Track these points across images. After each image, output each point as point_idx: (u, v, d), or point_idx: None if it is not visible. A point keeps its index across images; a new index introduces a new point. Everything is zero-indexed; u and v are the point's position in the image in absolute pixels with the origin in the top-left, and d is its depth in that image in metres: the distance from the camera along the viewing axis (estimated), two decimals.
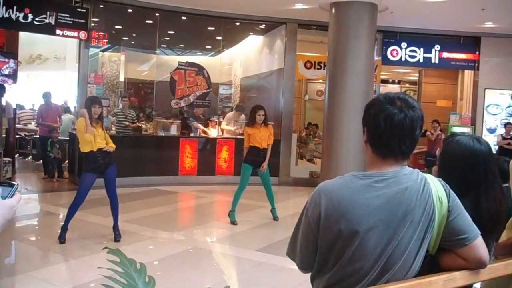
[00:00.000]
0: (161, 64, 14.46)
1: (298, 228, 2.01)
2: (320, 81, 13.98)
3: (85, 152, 6.70)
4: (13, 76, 10.59)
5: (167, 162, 11.85)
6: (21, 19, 9.97)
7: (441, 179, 1.97)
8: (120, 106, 12.11)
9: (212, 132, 12.75)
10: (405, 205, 1.83)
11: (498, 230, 2.52)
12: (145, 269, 2.06)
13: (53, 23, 10.43)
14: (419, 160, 12.98)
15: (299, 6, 11.14)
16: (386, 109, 1.86)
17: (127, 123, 11.40)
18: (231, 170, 11.92)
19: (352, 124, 8.98)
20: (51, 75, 16.28)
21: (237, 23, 13.35)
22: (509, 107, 13.52)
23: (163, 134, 12.39)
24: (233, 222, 8.14)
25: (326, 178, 2.02)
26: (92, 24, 11.35)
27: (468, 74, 14.32)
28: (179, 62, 12.98)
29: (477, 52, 13.45)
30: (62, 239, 6.68)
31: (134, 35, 15.36)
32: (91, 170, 6.72)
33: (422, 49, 13.34)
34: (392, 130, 1.85)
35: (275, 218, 8.47)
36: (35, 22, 10.16)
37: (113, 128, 11.46)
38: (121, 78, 14.94)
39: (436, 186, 1.91)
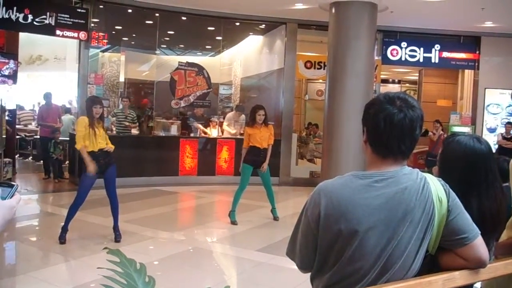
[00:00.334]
0: (161, 64, 14.46)
1: (298, 228, 2.01)
2: (320, 81, 14.00)
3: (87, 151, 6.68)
4: (13, 76, 10.60)
5: (167, 162, 11.85)
6: (21, 19, 9.97)
7: (441, 179, 1.97)
8: (120, 106, 12.11)
9: (212, 132, 12.75)
10: (405, 205, 1.83)
11: (498, 230, 2.52)
12: (145, 269, 2.06)
13: (53, 24, 10.43)
14: (420, 160, 12.99)
15: (299, 6, 11.15)
16: (385, 109, 1.86)
17: (127, 124, 11.40)
18: (232, 170, 11.92)
19: (352, 124, 8.98)
20: (51, 76, 16.28)
21: (237, 23, 13.35)
22: (509, 106, 13.52)
23: (163, 134, 12.39)
24: (234, 222, 8.14)
25: (326, 178, 2.03)
26: (92, 25, 11.36)
27: (468, 73, 14.32)
28: (179, 62, 12.98)
29: (477, 52, 13.45)
30: (62, 239, 6.68)
31: (134, 35, 15.36)
32: (89, 172, 6.70)
33: (422, 49, 13.33)
34: (391, 130, 1.85)
35: (275, 218, 8.47)
36: (35, 22, 10.17)
37: (114, 129, 11.46)
38: (121, 79, 14.94)
39: (436, 186, 1.91)
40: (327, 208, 1.87)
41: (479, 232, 1.93)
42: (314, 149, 13.95)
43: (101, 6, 11.60)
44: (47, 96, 12.09)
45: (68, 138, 12.32)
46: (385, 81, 18.22)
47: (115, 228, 6.89)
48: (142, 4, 11.60)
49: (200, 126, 12.78)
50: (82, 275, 5.68)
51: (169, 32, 14.39)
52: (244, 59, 15.20)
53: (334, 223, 1.85)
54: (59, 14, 10.48)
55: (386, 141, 1.87)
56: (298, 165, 12.96)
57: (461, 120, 13.35)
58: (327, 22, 10.08)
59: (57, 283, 5.57)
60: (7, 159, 10.71)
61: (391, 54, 13.23)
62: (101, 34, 11.38)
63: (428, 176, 1.93)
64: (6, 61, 10.43)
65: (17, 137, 13.59)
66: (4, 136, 10.43)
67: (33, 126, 15.32)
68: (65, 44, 12.24)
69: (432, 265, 1.96)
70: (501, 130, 12.88)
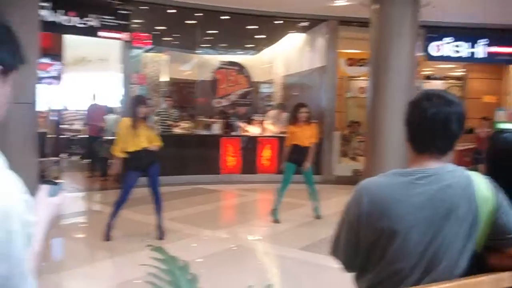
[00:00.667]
0: (203, 63, 14.57)
1: (341, 227, 2.00)
2: (363, 78, 13.86)
3: (128, 151, 6.78)
4: (58, 78, 10.82)
5: (209, 161, 11.90)
6: (65, 22, 10.18)
7: (487, 177, 1.91)
8: (163, 105, 12.23)
9: (254, 131, 12.76)
10: (448, 202, 1.79)
11: None
12: (188, 267, 2.07)
13: (96, 26, 10.62)
14: (466, 158, 12.70)
15: (340, 3, 11.05)
16: (420, 105, 1.87)
17: (170, 122, 11.51)
18: (274, 169, 11.89)
19: (395, 121, 8.82)
20: (95, 77, 16.56)
21: (278, 21, 13.32)
22: None
23: (205, 133, 12.45)
24: (276, 220, 8.13)
25: (369, 176, 2.01)
26: (135, 26, 11.50)
27: None
28: (220, 61, 13.04)
29: None
30: (107, 236, 6.79)
31: (175, 35, 15.51)
32: (134, 169, 6.80)
33: (466, 44, 13.04)
34: (424, 125, 1.86)
35: (318, 217, 8.41)
36: (79, 24, 10.36)
37: (157, 128, 11.58)
38: (164, 78, 15.11)
39: (481, 184, 1.86)
40: (368, 206, 1.85)
41: None
42: (357, 147, 13.80)
43: (143, 7, 11.73)
44: (94, 97, 12.32)
45: (112, 137, 12.53)
46: (429, 77, 17.89)
47: (159, 225, 6.97)
48: (183, 4, 11.67)
49: (242, 124, 12.80)
50: (127, 271, 5.76)
51: (210, 31, 14.46)
52: (285, 57, 15.16)
53: (375, 221, 1.84)
54: (102, 16, 10.66)
55: (420, 137, 1.89)
56: (340, 163, 12.86)
57: (508, 116, 13.00)
58: (369, 18, 9.96)
59: (102, 279, 5.68)
60: (53, 158, 10.94)
61: (435, 50, 12.98)
62: (143, 34, 11.51)
63: (474, 174, 1.89)
64: (52, 62, 10.66)
65: (63, 136, 13.87)
66: (50, 136, 10.67)
67: (77, 125, 15.62)
68: (109, 45, 12.43)
69: (480, 265, 1.91)
70: None
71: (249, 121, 13.08)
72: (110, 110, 12.91)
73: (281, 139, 11.26)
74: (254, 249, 7.17)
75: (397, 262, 1.81)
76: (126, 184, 6.88)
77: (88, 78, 16.48)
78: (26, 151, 7.59)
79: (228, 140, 12.09)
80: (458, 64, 15.94)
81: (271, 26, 13.66)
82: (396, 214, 1.80)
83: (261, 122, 12.91)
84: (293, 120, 8.28)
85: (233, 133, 12.49)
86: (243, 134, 12.54)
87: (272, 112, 13.06)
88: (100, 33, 10.74)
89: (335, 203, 9.73)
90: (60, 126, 13.00)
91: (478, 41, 12.99)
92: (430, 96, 1.89)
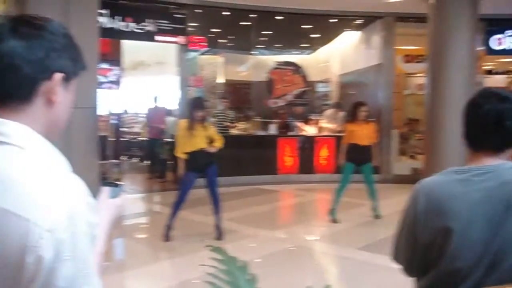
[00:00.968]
0: (258, 64, 14.60)
1: (400, 230, 1.98)
2: (421, 75, 13.58)
3: (186, 152, 6.88)
4: (117, 82, 11.09)
5: (266, 161, 11.92)
6: (123, 28, 10.42)
7: None
8: (220, 107, 12.34)
9: (311, 131, 12.70)
10: (507, 197, 1.74)
11: None
12: (247, 267, 2.08)
13: (153, 30, 10.82)
14: None
15: None
16: (475, 102, 1.87)
17: (227, 124, 11.60)
18: (331, 168, 11.81)
19: (454, 118, 8.58)
20: (153, 80, 16.88)
21: (333, 20, 13.22)
22: None
23: (262, 134, 12.48)
24: (334, 220, 8.07)
25: (429, 174, 1.98)
26: (190, 29, 11.65)
27: None
28: (275, 61, 13.04)
29: None
30: (167, 237, 6.91)
31: (230, 37, 15.61)
32: (191, 170, 6.89)
33: None
34: (477, 122, 1.85)
35: (377, 216, 8.30)
36: (136, 30, 10.59)
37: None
38: (220, 80, 15.23)
39: None
40: (425, 204, 1.84)
41: None
42: (415, 145, 13.53)
43: (198, 11, 11.87)
44: (155, 99, 12.55)
45: (172, 139, 12.73)
46: (490, 72, 17.38)
47: (217, 226, 7.03)
48: (238, 6, 11.75)
49: (299, 124, 12.76)
50: (186, 271, 5.84)
51: (265, 32, 14.49)
52: (341, 55, 15.03)
53: (432, 219, 1.81)
54: (158, 21, 10.86)
55: (474, 134, 1.88)
56: (399, 162, 12.65)
57: None
58: (426, 14, 9.76)
59: (163, 279, 5.78)
60: (114, 161, 11.21)
61: (496, 43, 12.59)
62: (199, 37, 11.65)
63: None
64: (111, 67, 10.93)
65: (123, 139, 14.19)
66: (111, 139, 10.94)
67: (137, 128, 15.95)
68: (165, 49, 12.65)
69: None
70: None
71: (306, 121, 13.03)
72: (170, 113, 13.14)
73: (338, 139, 11.18)
74: (312, 249, 7.14)
75: (455, 261, 1.77)
76: (184, 185, 6.99)
77: (146, 82, 16.82)
78: (88, 154, 7.80)
79: (285, 140, 12.09)
80: None
81: (326, 25, 13.57)
82: (452, 211, 1.77)
83: (317, 122, 12.84)
84: (352, 118, 8.19)
85: (290, 133, 12.47)
86: (300, 134, 12.50)
87: (328, 111, 12.96)
88: (157, 38, 10.94)
89: (394, 202, 9.54)
90: (120, 129, 13.30)
91: None
92: (485, 93, 1.88)
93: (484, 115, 1.81)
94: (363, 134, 8.03)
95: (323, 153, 12.12)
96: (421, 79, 12.80)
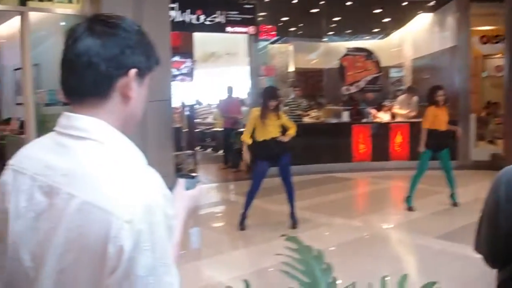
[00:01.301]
0: (329, 51, 14.50)
1: (481, 219, 1.90)
2: (499, 56, 13.07)
3: (258, 140, 6.92)
4: (190, 74, 11.28)
5: (340, 149, 11.82)
6: (194, 21, 10.58)
7: None
8: (292, 96, 12.33)
9: (385, 117, 12.48)
10: None
11: None
12: (322, 256, 2.08)
13: (223, 22, 10.93)
14: None
15: None
16: None
17: (299, 112, 11.57)
18: (407, 155, 11.56)
19: None
20: (224, 71, 17.08)
21: (404, 3, 12.90)
22: None
23: (335, 121, 12.37)
24: (410, 208, 7.90)
25: (509, 160, 1.90)
26: (260, 19, 11.67)
27: None
28: (347, 48, 12.90)
29: None
30: (242, 226, 6.99)
31: (300, 25, 15.54)
32: (263, 158, 6.92)
33: None
34: None
35: (455, 204, 8.06)
36: (206, 22, 10.73)
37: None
38: (291, 68, 15.22)
39: None
40: (506, 193, 1.76)
41: None
42: (495, 129, 13.05)
43: (267, 0, 11.87)
44: (229, 90, 12.69)
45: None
46: None
47: (292, 214, 7.04)
48: None
49: (372, 111, 12.57)
50: (261, 260, 5.89)
51: (335, 18, 14.34)
52: (414, 39, 14.68)
53: None
54: (228, 12, 10.95)
55: None
56: (477, 147, 12.23)
57: None
58: None
59: (238, 267, 5.85)
60: (189, 151, 11.43)
61: None
62: (269, 27, 11.66)
63: None
64: (184, 60, 11.14)
65: (197, 130, 14.44)
66: (185, 130, 11.16)
67: (210, 119, 16.20)
68: (236, 40, 12.76)
69: None
70: None
71: (379, 107, 12.81)
72: (243, 103, 13.28)
73: (412, 125, 10.94)
74: (388, 237, 7.04)
75: None
76: (256, 174, 7.04)
77: (218, 73, 17.04)
78: (163, 146, 8.01)
79: (359, 127, 11.93)
80: None
81: (398, 8, 13.27)
82: None
83: (391, 108, 12.60)
84: (431, 103, 7.93)
85: (364, 120, 12.30)
86: (373, 120, 12.32)
87: (401, 97, 12.68)
88: (227, 29, 11.04)
89: (472, 189, 9.29)
90: (194, 120, 13.53)
91: None
92: None
93: None
94: (443, 119, 7.80)
95: (397, 140, 11.88)
96: (499, 61, 12.32)
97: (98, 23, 1.19)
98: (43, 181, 1.16)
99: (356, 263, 5.67)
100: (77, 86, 1.19)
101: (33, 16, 7.71)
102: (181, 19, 10.39)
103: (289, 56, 15.33)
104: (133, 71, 1.20)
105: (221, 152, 13.98)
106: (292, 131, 6.99)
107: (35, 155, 1.22)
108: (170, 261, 1.11)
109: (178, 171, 8.24)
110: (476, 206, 1.92)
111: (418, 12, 13.91)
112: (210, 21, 10.78)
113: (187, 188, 1.52)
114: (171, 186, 1.46)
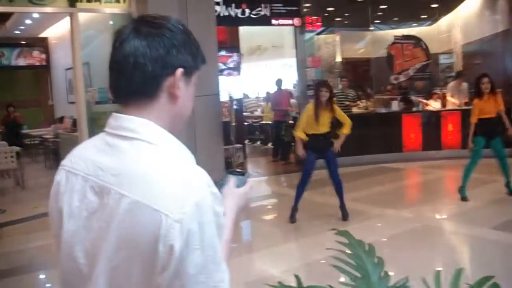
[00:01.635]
0: (376, 40, 14.32)
1: None
2: None
3: (308, 134, 6.92)
4: (237, 68, 11.33)
5: (390, 139, 11.65)
6: (239, 15, 10.62)
7: None
8: (339, 86, 12.22)
9: (435, 105, 12.22)
10: None
11: None
12: (373, 251, 2.06)
13: (268, 14, 10.94)
14: None
15: None
16: None
17: (347, 103, 11.47)
18: (459, 144, 11.30)
19: None
20: (270, 64, 17.07)
21: None
22: None
23: (384, 111, 12.20)
24: (464, 198, 7.72)
25: None
26: (305, 10, 11.60)
27: None
28: (394, 36, 12.71)
29: None
30: (293, 218, 7.00)
31: (346, 14, 15.37)
32: (311, 148, 6.92)
33: None
34: None
35: (511, 193, 7.84)
36: (252, 15, 10.74)
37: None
38: (338, 59, 15.09)
39: None
40: None
41: None
42: None
43: None
44: (279, 82, 12.68)
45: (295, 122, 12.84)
46: None
47: (342, 207, 7.01)
48: None
49: (422, 99, 12.33)
50: (312, 252, 5.89)
51: (381, 6, 14.12)
52: (464, 24, 14.31)
53: None
54: (273, 4, 10.95)
55: None
56: None
57: None
58: None
59: (289, 260, 5.87)
60: (238, 145, 11.48)
61: None
62: (314, 18, 11.57)
63: None
64: (230, 54, 11.19)
65: (245, 123, 14.49)
66: (234, 124, 11.21)
67: (258, 112, 16.23)
68: (281, 32, 12.73)
69: None
70: None
71: (430, 95, 12.56)
72: (291, 95, 13.25)
73: (464, 112, 10.67)
74: (441, 228, 6.91)
75: None
76: (306, 165, 7.04)
77: (265, 66, 17.04)
78: (212, 140, 8.07)
79: (409, 116, 11.73)
80: None
81: None
82: None
83: (442, 96, 12.33)
84: (477, 93, 7.74)
85: (414, 109, 12.08)
86: (424, 109, 12.09)
87: (451, 84, 12.37)
88: (273, 21, 11.03)
89: None
90: (242, 114, 13.58)
91: None
92: None
93: None
94: (491, 106, 7.58)
95: (449, 128, 11.63)
96: None
97: (143, 24, 1.21)
98: (94, 181, 1.19)
99: (409, 255, 5.59)
100: (125, 87, 1.21)
101: (82, 16, 7.89)
102: (226, 13, 10.43)
103: (335, 47, 15.18)
104: (179, 71, 1.21)
105: (270, 145, 14.01)
106: (346, 128, 6.98)
107: (86, 155, 1.25)
108: (220, 258, 1.12)
109: (227, 165, 8.30)
110: None
111: None
112: (255, 14, 10.78)
113: (237, 185, 1.52)
114: (221, 180, 1.47)
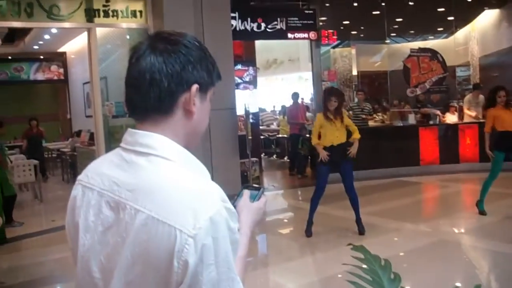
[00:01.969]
0: (393, 53, 14.29)
1: None
2: None
3: (325, 146, 6.84)
4: (253, 82, 11.36)
5: (407, 152, 11.57)
6: (255, 29, 10.68)
7: None
8: (356, 100, 12.20)
9: (452, 118, 12.14)
10: None
11: None
12: (390, 266, 2.04)
13: (284, 28, 10.99)
14: None
15: None
16: None
17: (363, 116, 11.44)
18: (477, 157, 11.20)
19: None
20: (286, 78, 17.10)
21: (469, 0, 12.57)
22: None
23: (401, 124, 12.15)
24: (482, 212, 7.62)
25: None
26: (321, 24, 11.63)
27: None
28: (411, 49, 12.68)
29: None
30: (308, 232, 6.95)
31: (362, 28, 15.39)
32: (324, 164, 6.84)
33: None
34: None
35: None
36: (267, 29, 10.80)
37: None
38: (354, 72, 15.09)
39: None
40: None
41: None
42: None
43: (327, 4, 11.82)
44: (295, 96, 12.69)
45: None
46: None
47: (358, 221, 6.94)
48: None
49: (439, 112, 12.26)
50: (328, 267, 5.84)
51: (397, 19, 14.12)
52: (481, 36, 14.26)
53: None
54: (288, 18, 11.00)
55: None
56: None
57: None
58: None
59: (306, 274, 5.82)
60: (254, 159, 11.48)
61: None
62: (330, 31, 11.60)
63: None
64: (246, 68, 11.22)
65: (261, 137, 14.50)
66: (250, 137, 11.22)
67: (274, 126, 16.23)
68: (297, 46, 12.77)
69: None
70: None
71: (447, 108, 12.49)
72: (308, 108, 13.25)
73: (482, 125, 10.58)
74: (459, 243, 6.82)
75: None
76: (318, 179, 7.00)
77: (281, 79, 17.07)
78: (228, 153, 8.10)
79: (426, 129, 11.66)
80: None
81: (462, 6, 12.94)
82: None
83: (459, 109, 12.26)
84: (492, 104, 7.66)
85: (431, 122, 12.02)
86: (441, 122, 12.02)
87: (468, 96, 12.29)
88: (289, 35, 11.07)
89: None
90: (258, 127, 13.59)
91: None
92: None
93: None
94: (509, 119, 7.48)
95: (466, 141, 11.54)
96: None
97: (159, 41, 1.22)
98: (110, 196, 1.20)
99: (426, 270, 5.53)
100: (141, 103, 1.21)
101: (99, 31, 7.98)
102: (242, 28, 10.50)
103: (351, 60, 15.19)
104: (195, 87, 1.21)
105: (286, 158, 13.99)
106: (356, 133, 6.92)
107: (102, 171, 1.26)
108: (235, 274, 1.12)
109: (243, 179, 8.28)
110: None
111: (484, 9, 13.51)
112: (271, 28, 10.84)
113: (253, 200, 1.52)
114: (236, 195, 1.47)
